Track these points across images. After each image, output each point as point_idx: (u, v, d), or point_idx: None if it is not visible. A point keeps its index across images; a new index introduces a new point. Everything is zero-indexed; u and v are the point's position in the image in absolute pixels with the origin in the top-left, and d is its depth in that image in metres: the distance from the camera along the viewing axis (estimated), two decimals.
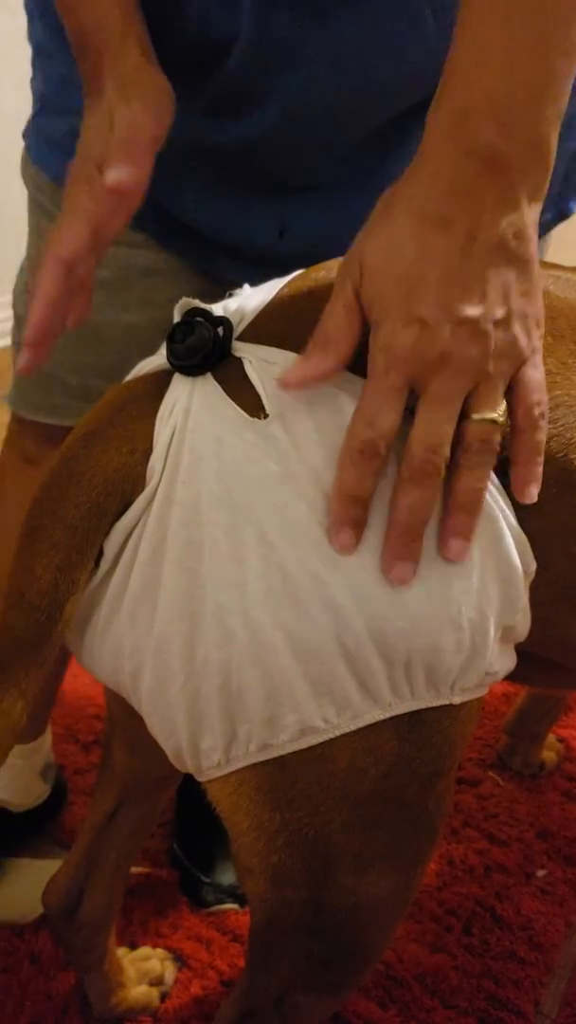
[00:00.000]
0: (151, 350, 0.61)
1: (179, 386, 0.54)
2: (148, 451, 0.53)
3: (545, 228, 0.91)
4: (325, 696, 0.51)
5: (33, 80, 0.86)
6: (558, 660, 0.65)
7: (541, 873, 1.13)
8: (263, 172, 0.76)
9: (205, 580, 0.51)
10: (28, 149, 0.89)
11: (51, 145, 0.84)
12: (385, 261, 0.50)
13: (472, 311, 0.49)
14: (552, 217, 0.90)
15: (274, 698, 0.51)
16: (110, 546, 0.54)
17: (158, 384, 0.55)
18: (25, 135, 0.89)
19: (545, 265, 0.61)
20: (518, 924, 1.07)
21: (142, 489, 0.53)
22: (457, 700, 0.54)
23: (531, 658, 0.62)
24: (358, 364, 0.52)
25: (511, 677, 0.60)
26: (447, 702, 0.54)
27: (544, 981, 1.03)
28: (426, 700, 0.53)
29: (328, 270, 0.59)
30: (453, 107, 0.50)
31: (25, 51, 0.86)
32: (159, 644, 0.53)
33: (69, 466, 0.54)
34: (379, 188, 0.74)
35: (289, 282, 0.59)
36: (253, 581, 0.50)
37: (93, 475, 0.53)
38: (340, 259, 0.58)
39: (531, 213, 0.51)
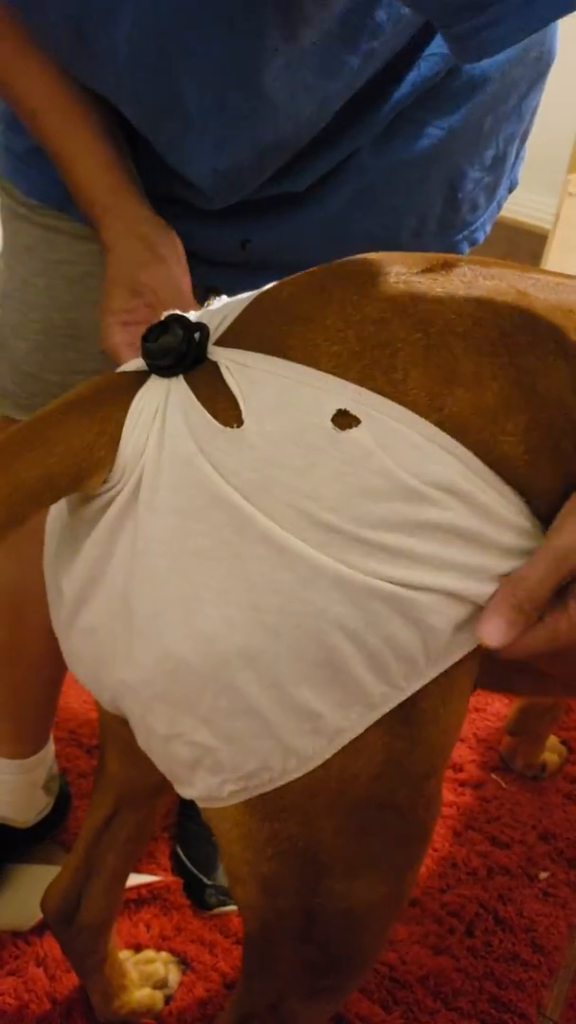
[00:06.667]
0: None
1: (154, 386, 0.54)
2: (116, 438, 0.52)
3: (502, 201, 0.94)
4: (309, 734, 0.51)
5: None
6: (544, 669, 0.65)
7: (543, 875, 1.13)
8: None
9: (178, 596, 0.51)
10: None
11: (17, 160, 0.86)
12: None
13: None
14: (506, 191, 0.93)
15: (262, 736, 0.51)
16: (90, 548, 0.54)
17: (139, 380, 0.55)
18: None
19: (526, 270, 0.61)
20: (520, 926, 1.07)
21: (99, 476, 0.53)
22: (440, 669, 0.53)
23: (518, 667, 0.62)
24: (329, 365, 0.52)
25: (499, 688, 0.60)
26: (433, 675, 0.53)
27: (547, 983, 1.03)
28: (411, 685, 0.53)
29: (306, 274, 0.59)
30: None
31: None
32: (139, 675, 0.53)
33: (39, 426, 0.53)
34: (337, 193, 0.77)
35: (266, 290, 0.59)
36: (229, 605, 0.50)
37: (58, 442, 0.52)
38: (318, 268, 0.58)
39: None
